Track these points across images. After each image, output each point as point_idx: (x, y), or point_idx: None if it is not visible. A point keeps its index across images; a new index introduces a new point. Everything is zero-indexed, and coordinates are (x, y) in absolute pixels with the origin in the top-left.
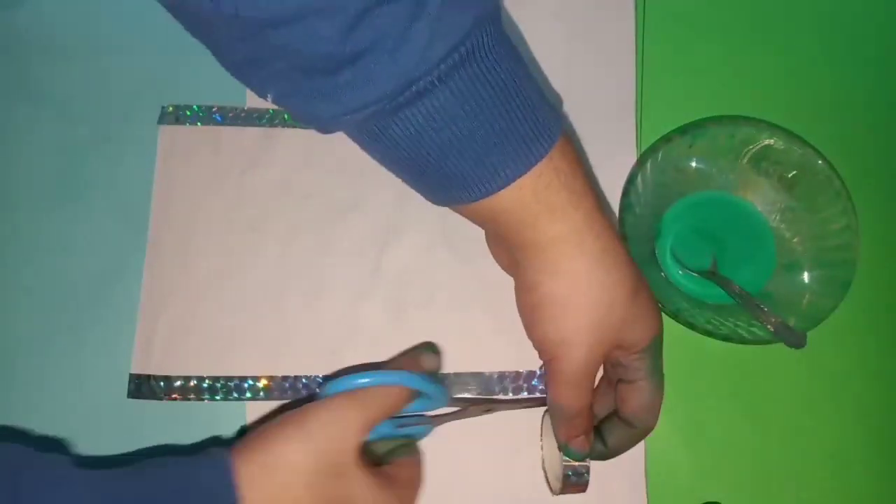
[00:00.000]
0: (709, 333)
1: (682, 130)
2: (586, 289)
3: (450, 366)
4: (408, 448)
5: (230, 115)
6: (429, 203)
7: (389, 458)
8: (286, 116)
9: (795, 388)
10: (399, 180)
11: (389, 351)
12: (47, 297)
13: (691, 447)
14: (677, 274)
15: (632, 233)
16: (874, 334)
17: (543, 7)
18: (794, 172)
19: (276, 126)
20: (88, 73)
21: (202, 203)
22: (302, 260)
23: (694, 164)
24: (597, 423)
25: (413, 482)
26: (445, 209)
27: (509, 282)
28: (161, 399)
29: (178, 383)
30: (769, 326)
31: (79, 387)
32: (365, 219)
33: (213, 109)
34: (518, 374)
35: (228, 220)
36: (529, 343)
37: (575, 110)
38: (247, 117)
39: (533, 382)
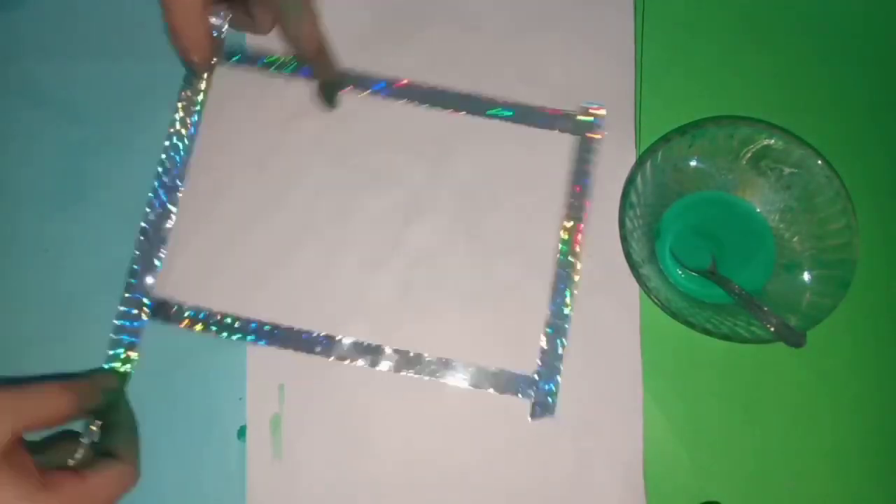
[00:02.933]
0: (708, 333)
1: (682, 131)
2: None
3: (444, 352)
4: (103, 461)
5: (277, 64)
6: (459, 187)
7: (86, 465)
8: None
9: (795, 387)
10: (434, 158)
11: (389, 324)
12: (48, 297)
13: (690, 447)
14: (677, 274)
15: (632, 233)
16: (874, 334)
17: (543, 7)
18: (794, 172)
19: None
20: (90, 75)
21: (240, 147)
22: (325, 219)
23: (693, 164)
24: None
25: (89, 495)
26: (475, 198)
27: (520, 284)
28: (173, 323)
29: (188, 313)
30: (769, 326)
31: None
32: (393, 191)
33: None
34: (511, 374)
35: (261, 168)
36: (528, 348)
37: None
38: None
39: (524, 386)
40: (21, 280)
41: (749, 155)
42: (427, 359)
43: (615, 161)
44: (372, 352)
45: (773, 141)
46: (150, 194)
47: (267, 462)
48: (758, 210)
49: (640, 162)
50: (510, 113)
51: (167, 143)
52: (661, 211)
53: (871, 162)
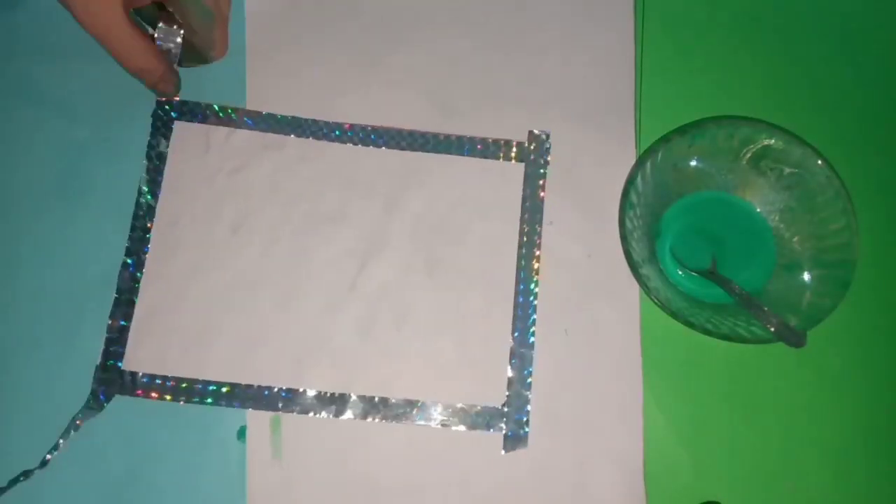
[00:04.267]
0: (708, 333)
1: (682, 131)
2: None
3: (412, 393)
4: None
5: (228, 114)
6: (414, 223)
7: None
8: (282, 119)
9: (795, 387)
10: (386, 196)
11: (353, 369)
12: (46, 296)
13: (691, 447)
14: (677, 274)
15: (632, 233)
16: (874, 334)
17: (543, 7)
18: (794, 172)
19: (268, 132)
20: (88, 74)
21: (191, 198)
22: (280, 265)
23: (693, 164)
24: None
25: None
26: (430, 232)
27: (485, 316)
28: (127, 394)
29: (144, 380)
30: (769, 326)
31: (78, 384)
32: (348, 231)
33: (215, 108)
34: (482, 408)
35: (211, 219)
36: (496, 380)
37: (575, 110)
38: (243, 119)
39: (494, 419)
40: (18, 279)
41: (749, 155)
42: (393, 402)
43: (615, 161)
44: (336, 401)
45: (773, 141)
46: (127, 259)
47: (267, 463)
48: (758, 210)
49: (640, 162)
50: (456, 147)
51: (138, 199)
52: (661, 211)
53: (871, 162)
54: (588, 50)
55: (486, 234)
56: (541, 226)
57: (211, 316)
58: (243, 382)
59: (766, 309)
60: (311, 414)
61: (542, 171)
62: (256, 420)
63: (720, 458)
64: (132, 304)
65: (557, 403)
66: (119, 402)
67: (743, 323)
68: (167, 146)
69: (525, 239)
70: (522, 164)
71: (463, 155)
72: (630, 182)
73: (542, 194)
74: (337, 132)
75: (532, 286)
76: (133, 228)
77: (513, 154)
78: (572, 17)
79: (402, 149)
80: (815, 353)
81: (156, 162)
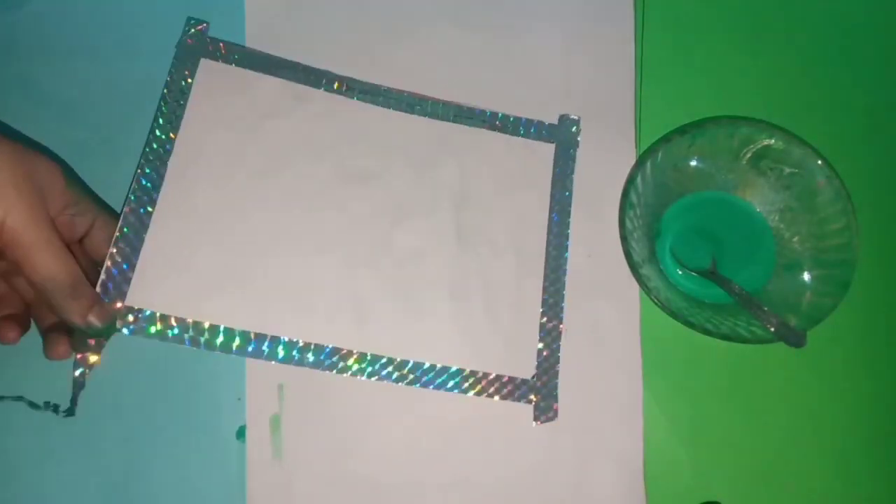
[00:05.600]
0: (708, 333)
1: (682, 130)
2: None
3: (437, 357)
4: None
5: (262, 60)
6: (446, 191)
7: None
8: (316, 71)
9: (795, 387)
10: (418, 163)
11: (376, 327)
12: None
13: (691, 447)
14: (677, 274)
15: (632, 233)
16: (874, 334)
17: (543, 7)
18: (794, 172)
19: (300, 83)
20: (89, 75)
21: (219, 140)
22: (305, 217)
23: (693, 164)
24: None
25: None
26: (462, 201)
27: (514, 285)
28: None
29: (156, 320)
30: (769, 326)
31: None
32: (377, 192)
33: (245, 49)
34: (510, 378)
35: (234, 162)
36: (523, 351)
37: (575, 110)
38: (280, 67)
39: (522, 391)
40: None
41: (749, 155)
42: (425, 366)
43: (615, 161)
44: (364, 360)
45: (773, 141)
46: (131, 196)
47: (267, 462)
48: (758, 210)
49: (640, 162)
50: (493, 121)
51: (151, 135)
52: (661, 211)
53: (871, 162)
54: (588, 50)
55: (516, 208)
56: (570, 205)
57: (227, 261)
58: (263, 332)
59: (766, 309)
60: (333, 372)
61: (572, 151)
62: (256, 420)
63: (720, 458)
64: (137, 243)
65: (557, 403)
66: (118, 398)
67: (743, 323)
68: (190, 83)
69: (556, 217)
70: (553, 145)
71: (495, 130)
72: (630, 182)
73: (573, 177)
74: (373, 94)
75: (564, 264)
76: (145, 165)
77: (545, 135)
78: (572, 17)
79: (438, 118)
80: (815, 353)
81: (177, 97)
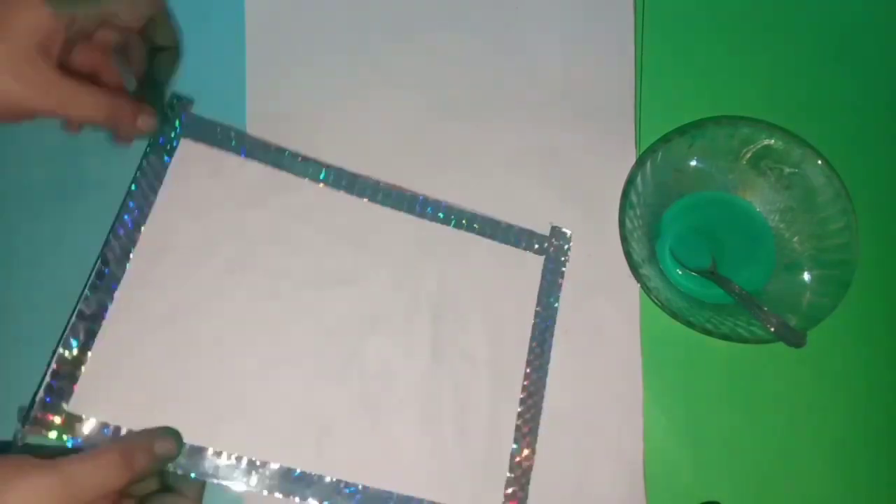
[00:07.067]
0: (708, 333)
1: (682, 131)
2: None
3: (402, 486)
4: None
5: (244, 141)
6: (426, 300)
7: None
8: (300, 160)
9: (795, 387)
10: (399, 264)
11: (341, 449)
12: (42, 297)
13: (691, 447)
14: (677, 274)
15: (632, 233)
16: (874, 334)
17: (543, 7)
18: (794, 172)
19: (283, 170)
20: None
21: (190, 230)
22: (273, 320)
23: (693, 164)
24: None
25: None
26: (441, 313)
27: (488, 408)
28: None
29: (89, 430)
30: (769, 326)
31: None
32: (353, 297)
33: (231, 133)
34: None
35: (208, 256)
36: (493, 484)
37: (575, 110)
38: (262, 151)
39: None
40: (13, 278)
41: (749, 155)
42: (375, 492)
43: (615, 161)
44: (313, 484)
45: (773, 141)
46: (87, 293)
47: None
48: (758, 210)
49: (640, 162)
50: (478, 226)
51: (121, 212)
52: (661, 211)
53: (871, 162)
54: (588, 50)
55: (497, 323)
56: (555, 323)
57: (183, 369)
58: (210, 448)
59: (765, 309)
60: (279, 495)
61: (562, 268)
62: None
63: (720, 458)
64: (93, 334)
65: (557, 403)
66: None
67: (743, 323)
68: (167, 162)
69: (538, 335)
70: (542, 258)
71: (483, 237)
72: (630, 182)
73: (559, 294)
74: (358, 186)
75: (542, 392)
76: (110, 245)
77: (535, 247)
78: (572, 18)
79: (423, 217)
80: (814, 353)
81: (150, 177)
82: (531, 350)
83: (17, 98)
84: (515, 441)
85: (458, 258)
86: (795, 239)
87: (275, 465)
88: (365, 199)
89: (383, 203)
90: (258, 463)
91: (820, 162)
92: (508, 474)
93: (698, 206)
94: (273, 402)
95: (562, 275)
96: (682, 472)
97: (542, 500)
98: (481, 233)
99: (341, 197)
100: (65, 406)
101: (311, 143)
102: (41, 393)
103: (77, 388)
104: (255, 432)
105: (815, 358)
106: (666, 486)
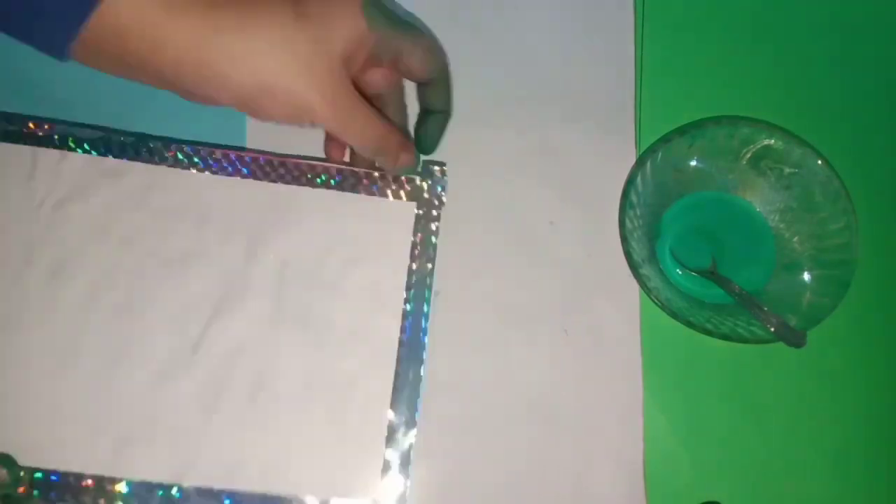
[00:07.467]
0: (708, 333)
1: (682, 131)
2: (267, 45)
3: (267, 482)
4: None
5: (62, 133)
6: (282, 269)
7: None
8: (126, 141)
9: (795, 387)
10: (251, 233)
11: (195, 451)
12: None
13: (691, 447)
14: (677, 274)
15: (632, 233)
16: (874, 334)
17: (543, 7)
18: (794, 172)
19: (109, 156)
20: (88, 74)
21: (5, 241)
22: (106, 320)
23: (693, 164)
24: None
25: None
26: (300, 280)
27: (360, 383)
28: None
29: None
30: (769, 326)
31: None
32: (196, 278)
33: (44, 126)
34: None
35: (25, 261)
36: (374, 470)
37: (575, 110)
38: (86, 139)
39: None
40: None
41: (749, 155)
42: (242, 493)
43: (615, 161)
44: (167, 496)
45: (773, 141)
46: None
47: None
48: (758, 210)
49: (640, 162)
50: (336, 181)
51: None
52: (661, 211)
53: (871, 162)
54: (588, 50)
55: (367, 285)
56: (432, 278)
57: (17, 383)
58: (52, 468)
59: (765, 309)
60: None
61: (435, 212)
62: None
63: (720, 458)
64: None
65: (557, 403)
66: None
67: (743, 323)
68: None
69: (414, 294)
70: (414, 204)
71: (343, 191)
72: (630, 182)
73: (434, 240)
74: (195, 159)
75: (421, 352)
76: None
77: (403, 192)
78: (572, 17)
79: (273, 181)
80: (815, 353)
81: None
82: (405, 314)
83: (307, 102)
84: (393, 412)
85: (317, 217)
86: (795, 239)
87: (120, 486)
88: (206, 173)
89: (225, 173)
90: (99, 478)
91: (820, 162)
92: (386, 450)
93: (698, 206)
94: (112, 409)
95: (436, 219)
96: (682, 472)
97: (542, 500)
98: (341, 188)
99: (176, 173)
100: None
101: (316, 149)
102: None
103: None
104: (95, 443)
105: (816, 358)
106: (666, 486)
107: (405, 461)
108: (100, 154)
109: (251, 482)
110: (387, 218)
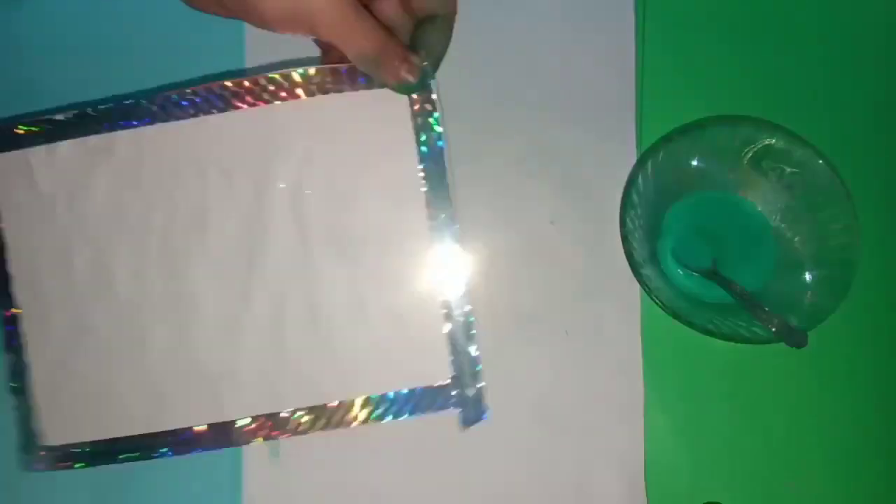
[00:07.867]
0: (709, 333)
1: (683, 130)
2: None
3: (348, 391)
4: None
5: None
6: (294, 196)
7: None
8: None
9: (796, 388)
10: (255, 166)
11: (278, 387)
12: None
13: (691, 447)
14: (678, 274)
15: (632, 233)
16: (875, 334)
17: (543, 7)
18: (795, 172)
19: (90, 134)
20: (88, 74)
21: (37, 245)
22: (156, 295)
23: (694, 163)
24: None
25: None
26: (315, 202)
27: (406, 284)
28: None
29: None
30: (770, 326)
31: None
32: (217, 233)
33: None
34: (440, 387)
35: (67, 264)
36: (441, 349)
37: (575, 110)
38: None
39: (442, 398)
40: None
41: (750, 155)
42: (330, 407)
43: (615, 161)
44: (271, 423)
45: (774, 141)
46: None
47: (264, 463)
48: (759, 210)
49: (640, 162)
50: (328, 84)
51: None
52: (663, 211)
53: (872, 162)
54: (588, 50)
55: (381, 182)
56: (446, 162)
57: (109, 370)
58: (164, 429)
59: (767, 309)
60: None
61: (433, 97)
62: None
63: (721, 459)
64: (25, 367)
65: (557, 403)
66: None
67: (744, 323)
68: None
69: (429, 182)
70: (405, 97)
71: (328, 93)
72: (631, 182)
73: (439, 129)
74: (171, 107)
75: (453, 236)
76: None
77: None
78: (572, 17)
79: (251, 104)
80: (816, 354)
81: None
82: (428, 201)
83: (307, 8)
84: (446, 305)
85: (319, 130)
86: (797, 239)
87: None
88: (187, 121)
89: (194, 113)
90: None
91: (821, 162)
92: (446, 335)
93: (699, 205)
94: (195, 368)
95: (434, 104)
96: (683, 472)
97: (542, 500)
98: (325, 91)
99: (155, 131)
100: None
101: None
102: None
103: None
104: (192, 398)
105: (817, 358)
106: (666, 486)
107: (466, 332)
108: (82, 135)
109: (332, 396)
110: (381, 107)
